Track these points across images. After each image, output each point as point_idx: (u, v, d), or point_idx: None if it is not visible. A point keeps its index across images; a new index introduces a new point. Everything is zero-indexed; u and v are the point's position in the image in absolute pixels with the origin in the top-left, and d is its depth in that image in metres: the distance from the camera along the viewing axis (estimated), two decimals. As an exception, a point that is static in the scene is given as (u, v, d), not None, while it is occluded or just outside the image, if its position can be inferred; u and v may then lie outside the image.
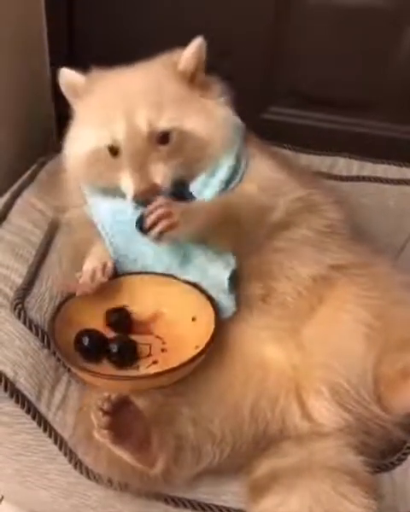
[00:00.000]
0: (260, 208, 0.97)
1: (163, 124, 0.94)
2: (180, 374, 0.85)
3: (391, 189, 1.28)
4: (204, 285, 0.95)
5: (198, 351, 0.85)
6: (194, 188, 0.99)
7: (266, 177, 1.01)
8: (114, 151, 0.95)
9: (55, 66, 1.39)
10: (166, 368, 0.84)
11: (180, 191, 0.98)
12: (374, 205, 1.27)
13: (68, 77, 1.01)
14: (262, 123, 1.31)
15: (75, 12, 1.37)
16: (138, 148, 0.93)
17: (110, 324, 0.95)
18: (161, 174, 0.93)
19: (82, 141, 1.00)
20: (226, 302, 0.93)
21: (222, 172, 0.99)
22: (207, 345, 0.86)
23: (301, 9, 1.26)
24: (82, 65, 1.41)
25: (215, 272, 0.94)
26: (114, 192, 0.98)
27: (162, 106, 0.95)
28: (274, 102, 1.34)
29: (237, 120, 1.03)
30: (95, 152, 0.97)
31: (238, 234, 0.95)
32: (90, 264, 0.97)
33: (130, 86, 0.98)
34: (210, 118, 0.98)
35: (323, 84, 1.31)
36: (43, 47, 1.39)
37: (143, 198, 0.92)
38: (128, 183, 0.93)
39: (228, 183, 0.99)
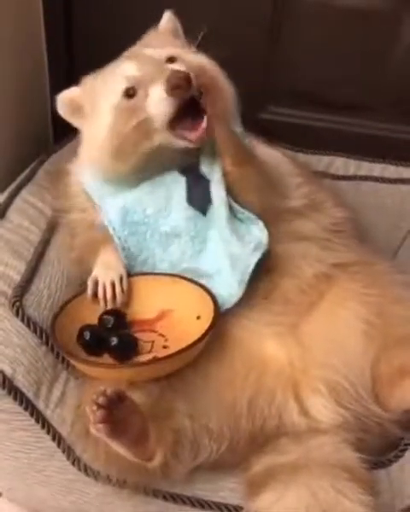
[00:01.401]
0: (276, 182, 0.99)
1: (168, 52, 0.95)
2: (179, 361, 0.86)
3: (388, 188, 1.29)
4: (221, 272, 0.96)
5: (197, 338, 0.85)
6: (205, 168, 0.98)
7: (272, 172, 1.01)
8: (130, 92, 0.93)
9: (53, 65, 1.40)
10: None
11: (192, 173, 0.98)
12: (371, 204, 1.28)
13: (66, 95, 1.00)
14: (260, 123, 1.32)
15: (73, 11, 1.37)
16: (153, 65, 0.92)
17: (105, 329, 0.95)
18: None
19: (99, 120, 0.97)
20: (234, 289, 0.93)
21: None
22: (207, 332, 0.86)
23: (298, 10, 1.26)
24: (80, 66, 1.41)
25: (244, 255, 0.93)
26: (129, 172, 0.98)
27: (164, 46, 0.98)
28: (271, 102, 1.35)
29: None
30: (115, 113, 0.94)
31: (263, 189, 0.96)
32: (107, 276, 0.97)
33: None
34: (210, 62, 1.00)
35: (320, 85, 1.32)
36: (40, 47, 1.39)
37: (178, 82, 0.86)
38: (160, 82, 0.88)
39: None
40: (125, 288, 0.97)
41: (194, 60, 0.97)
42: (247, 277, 0.93)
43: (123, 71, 0.95)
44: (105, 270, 0.98)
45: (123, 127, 0.93)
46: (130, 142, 0.94)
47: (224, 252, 0.96)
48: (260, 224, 0.94)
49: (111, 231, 1.00)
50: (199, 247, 0.98)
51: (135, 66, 0.94)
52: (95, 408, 0.74)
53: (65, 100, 1.00)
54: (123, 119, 0.93)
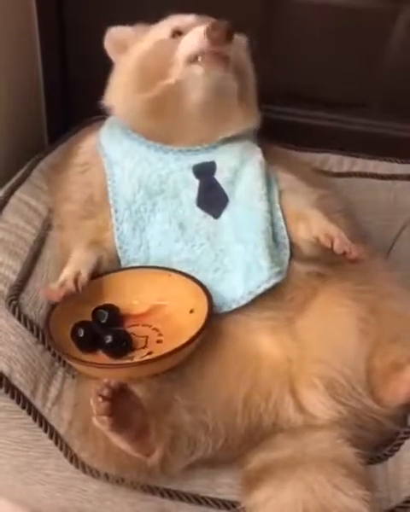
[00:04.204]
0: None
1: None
2: (171, 361, 0.86)
3: (382, 184, 1.30)
4: (224, 272, 0.96)
5: (188, 338, 0.85)
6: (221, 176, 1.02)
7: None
8: (176, 32, 1.00)
9: (47, 67, 1.41)
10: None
11: (206, 178, 1.01)
12: (365, 200, 1.28)
13: (117, 33, 1.08)
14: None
15: (66, 14, 1.38)
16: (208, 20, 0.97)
17: (100, 324, 0.95)
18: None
19: (138, 50, 1.05)
20: (238, 295, 0.94)
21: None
22: (199, 333, 0.86)
23: (290, 8, 1.27)
24: (73, 66, 1.42)
25: (265, 272, 0.94)
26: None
27: None
28: (265, 100, 1.35)
29: None
30: (155, 44, 1.02)
31: None
32: (65, 272, 0.96)
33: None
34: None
35: (314, 82, 1.32)
36: (34, 50, 1.39)
37: (220, 26, 0.93)
38: (200, 28, 0.95)
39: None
40: (81, 282, 0.93)
41: (241, 55, 1.07)
42: (259, 292, 0.93)
43: (181, 17, 1.02)
44: (67, 270, 0.96)
45: (154, 57, 1.01)
46: (152, 72, 1.01)
47: (240, 257, 0.96)
48: (288, 253, 0.98)
49: (112, 212, 1.00)
50: (203, 243, 0.98)
51: (193, 17, 1.01)
52: (99, 400, 0.74)
53: (115, 39, 1.09)
54: (158, 50, 1.01)
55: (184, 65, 0.98)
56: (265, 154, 1.08)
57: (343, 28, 1.26)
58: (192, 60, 0.97)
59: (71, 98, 1.47)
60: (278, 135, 1.31)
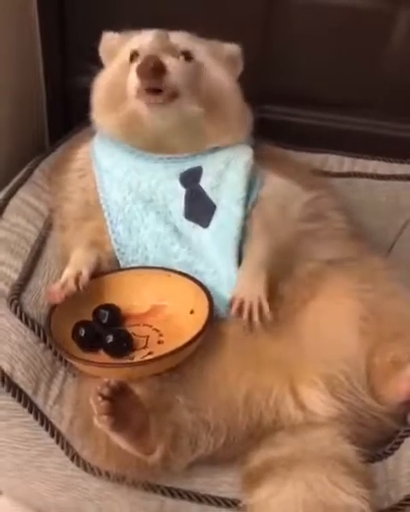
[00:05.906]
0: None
1: (191, 47, 0.99)
2: (172, 361, 0.86)
3: (382, 184, 1.30)
4: (221, 274, 0.96)
5: (189, 339, 0.86)
6: (205, 182, 1.01)
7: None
8: (133, 56, 0.99)
9: (49, 68, 1.41)
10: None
11: (192, 187, 1.00)
12: (365, 201, 1.29)
13: (108, 40, 1.09)
14: (253, 121, 1.32)
15: (67, 14, 1.38)
16: (159, 45, 0.95)
17: (100, 323, 0.95)
18: (173, 64, 0.94)
19: (108, 70, 1.07)
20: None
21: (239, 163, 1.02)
22: (199, 333, 0.86)
23: (290, 8, 1.27)
24: (76, 65, 1.42)
25: None
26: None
27: (195, 44, 1.02)
28: (264, 101, 1.36)
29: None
30: (118, 69, 1.02)
31: None
32: (67, 272, 0.96)
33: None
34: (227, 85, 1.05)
35: (314, 83, 1.33)
36: (35, 47, 1.39)
37: (146, 67, 0.91)
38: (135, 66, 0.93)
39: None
40: (83, 282, 0.94)
41: (211, 74, 1.02)
42: None
43: (141, 36, 1.01)
44: (68, 270, 0.96)
45: (116, 80, 1.01)
46: (114, 97, 1.01)
47: (221, 265, 0.96)
48: None
49: (106, 215, 1.01)
50: (197, 249, 0.98)
51: (151, 36, 0.98)
52: (99, 399, 0.74)
53: (105, 42, 1.09)
54: (119, 74, 1.01)
55: (132, 98, 0.97)
56: (260, 155, 1.08)
57: (344, 28, 1.27)
58: (136, 96, 0.96)
59: (72, 98, 1.47)
60: (277, 135, 1.31)
